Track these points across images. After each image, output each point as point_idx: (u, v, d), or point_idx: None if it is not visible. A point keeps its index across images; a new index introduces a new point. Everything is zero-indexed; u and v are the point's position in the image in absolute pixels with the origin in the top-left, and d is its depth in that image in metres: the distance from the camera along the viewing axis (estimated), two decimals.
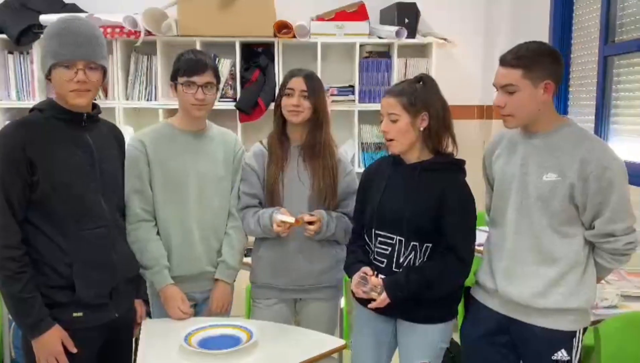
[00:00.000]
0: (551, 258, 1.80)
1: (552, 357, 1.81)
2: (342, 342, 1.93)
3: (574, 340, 1.82)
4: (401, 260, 1.92)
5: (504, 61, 1.78)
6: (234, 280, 2.21)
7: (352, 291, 2.05)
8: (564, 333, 1.82)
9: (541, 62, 1.74)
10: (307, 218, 2.05)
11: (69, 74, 1.70)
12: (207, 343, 1.82)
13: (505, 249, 1.87)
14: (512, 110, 1.78)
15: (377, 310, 1.95)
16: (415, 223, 1.89)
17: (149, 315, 2.17)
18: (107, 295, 1.81)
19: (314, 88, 2.15)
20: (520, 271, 1.84)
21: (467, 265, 1.91)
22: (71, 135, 1.76)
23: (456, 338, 2.17)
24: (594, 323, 2.04)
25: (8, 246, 1.66)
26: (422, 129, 1.90)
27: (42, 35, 1.74)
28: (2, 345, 2.80)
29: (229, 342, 1.82)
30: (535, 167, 1.80)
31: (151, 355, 1.80)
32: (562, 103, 3.41)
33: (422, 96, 1.89)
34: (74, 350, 1.72)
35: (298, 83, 2.13)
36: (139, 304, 2.04)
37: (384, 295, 1.86)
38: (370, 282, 1.89)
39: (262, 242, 2.22)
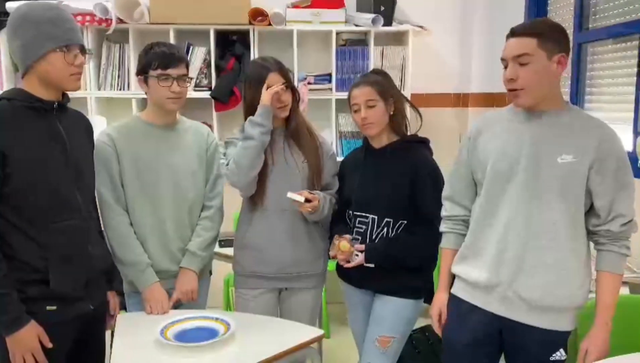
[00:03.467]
0: (564, 248, 1.68)
1: (551, 358, 1.72)
2: (321, 331, 1.93)
3: (569, 338, 1.76)
4: (374, 236, 2.08)
5: (517, 32, 1.68)
6: (200, 268, 2.14)
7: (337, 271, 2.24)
8: (564, 333, 1.73)
9: (555, 34, 1.67)
10: (310, 196, 2.05)
11: (68, 58, 1.69)
12: (184, 336, 1.80)
13: (510, 236, 1.71)
14: (524, 83, 1.65)
15: (357, 282, 2.16)
16: (391, 199, 2.06)
17: (123, 307, 2.13)
18: (82, 288, 1.77)
19: (288, 75, 2.15)
20: (532, 262, 1.69)
21: (437, 232, 1.98)
22: (43, 125, 1.70)
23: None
24: None
25: None
26: (391, 113, 2.11)
27: (18, 23, 1.67)
28: None
29: (205, 334, 1.80)
30: (549, 147, 1.67)
31: (127, 348, 1.77)
32: None
33: (386, 85, 2.13)
34: (50, 345, 1.68)
35: (276, 79, 2.09)
36: (112, 295, 1.99)
37: (361, 257, 2.04)
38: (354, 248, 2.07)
39: (247, 230, 2.19)
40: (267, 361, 1.71)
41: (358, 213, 2.12)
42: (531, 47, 1.64)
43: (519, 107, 1.74)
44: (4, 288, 1.62)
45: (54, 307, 1.70)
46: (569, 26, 3.11)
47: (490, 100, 3.75)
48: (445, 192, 1.95)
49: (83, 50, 1.75)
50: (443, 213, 1.94)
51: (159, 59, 2.00)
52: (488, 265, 1.75)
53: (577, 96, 2.99)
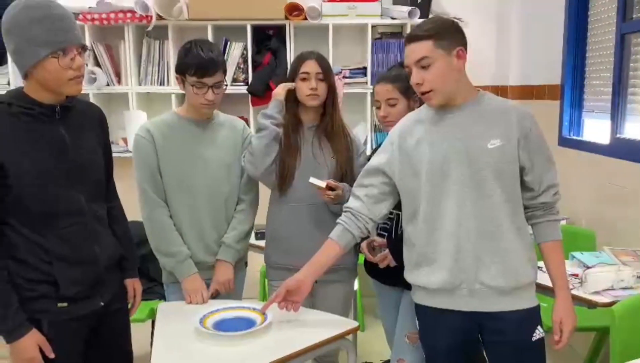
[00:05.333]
0: (511, 229, 1.70)
1: (533, 339, 1.71)
2: (355, 323, 1.94)
3: (540, 313, 1.76)
4: (399, 232, 2.00)
5: (412, 37, 1.71)
6: (235, 260, 2.19)
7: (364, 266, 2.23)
8: (534, 309, 1.75)
9: (448, 30, 1.71)
10: (333, 184, 2.06)
11: (65, 61, 1.57)
12: (222, 326, 1.84)
13: (462, 233, 1.70)
14: (431, 85, 1.69)
15: (386, 279, 2.14)
16: None
17: (162, 297, 2.18)
18: (91, 287, 1.74)
19: (327, 69, 2.17)
20: (487, 251, 1.70)
21: None
22: (42, 131, 1.63)
23: None
24: (610, 304, 2.03)
25: None
26: (415, 108, 1.98)
27: (7, 28, 1.56)
28: None
29: (243, 324, 1.84)
30: (477, 137, 1.70)
31: (167, 337, 1.83)
32: (577, 82, 3.36)
33: None
34: (51, 355, 1.65)
35: (313, 66, 2.14)
36: (129, 283, 1.95)
37: (389, 257, 2.01)
38: (380, 252, 2.06)
39: (276, 223, 2.23)
40: (303, 351, 1.74)
41: None
42: (428, 50, 1.68)
43: (433, 107, 1.76)
44: (7, 296, 1.60)
45: (65, 304, 1.69)
46: (612, 16, 3.02)
47: (529, 92, 3.68)
48: (355, 185, 1.90)
49: (84, 48, 1.64)
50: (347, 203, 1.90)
51: (195, 67, 2.01)
52: (447, 266, 1.72)
53: (619, 87, 2.91)
